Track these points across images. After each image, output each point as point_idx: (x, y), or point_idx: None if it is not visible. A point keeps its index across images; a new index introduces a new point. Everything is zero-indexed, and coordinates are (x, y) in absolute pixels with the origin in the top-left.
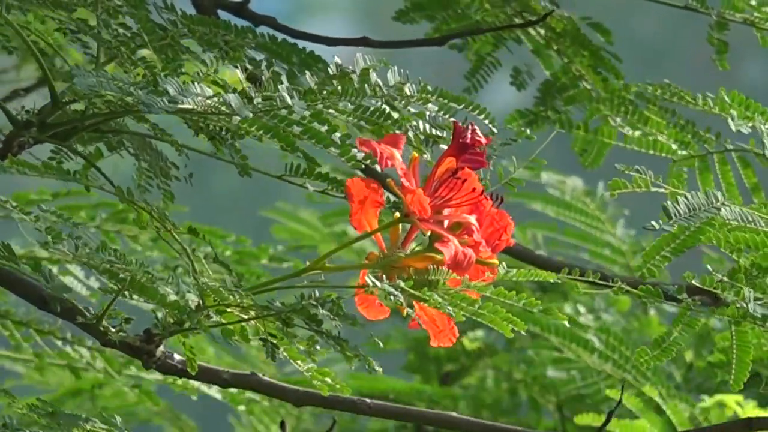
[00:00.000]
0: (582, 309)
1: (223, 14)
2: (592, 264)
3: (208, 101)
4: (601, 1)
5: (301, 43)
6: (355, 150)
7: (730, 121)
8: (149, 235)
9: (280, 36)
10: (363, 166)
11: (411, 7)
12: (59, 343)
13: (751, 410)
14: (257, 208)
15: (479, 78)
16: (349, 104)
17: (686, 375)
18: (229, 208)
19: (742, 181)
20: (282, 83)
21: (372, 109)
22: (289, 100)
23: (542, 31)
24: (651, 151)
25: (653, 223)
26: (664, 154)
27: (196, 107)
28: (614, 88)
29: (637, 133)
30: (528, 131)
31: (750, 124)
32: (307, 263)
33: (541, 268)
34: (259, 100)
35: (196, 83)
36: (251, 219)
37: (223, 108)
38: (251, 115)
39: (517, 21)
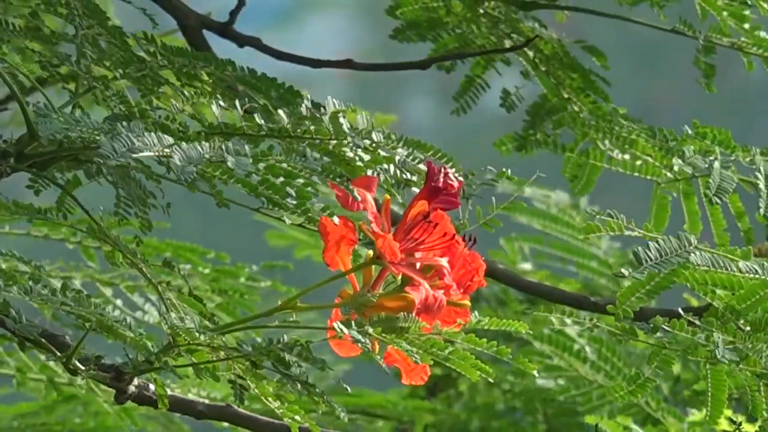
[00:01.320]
0: (568, 320)
1: (208, 35)
2: (579, 277)
3: (165, 150)
4: (598, 1)
5: (286, 65)
6: (314, 201)
7: (675, 160)
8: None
9: (263, 61)
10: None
11: (407, 26)
12: (42, 356)
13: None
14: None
15: (468, 99)
16: (299, 161)
17: (673, 388)
18: (224, 211)
19: (727, 205)
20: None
21: (317, 170)
22: (230, 162)
23: (531, 54)
24: (636, 174)
25: (623, 270)
26: (650, 177)
27: (155, 155)
28: (602, 111)
29: (626, 156)
30: (509, 172)
31: (710, 158)
32: (288, 299)
33: (518, 289)
34: (208, 155)
35: (153, 134)
36: (245, 223)
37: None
38: (194, 174)
39: (506, 43)
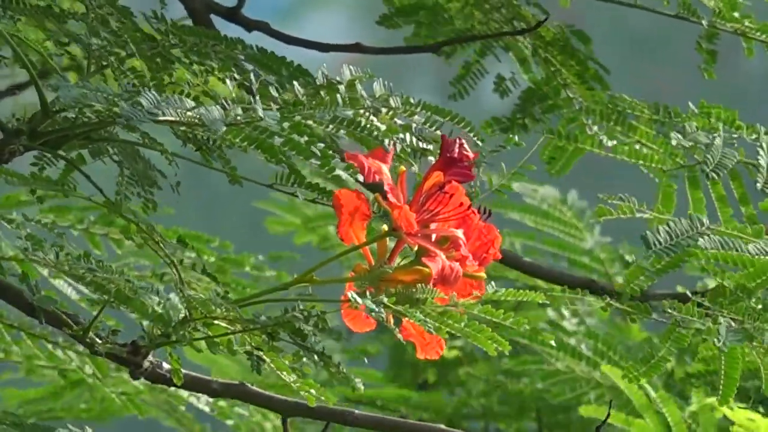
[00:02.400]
0: (566, 313)
1: (216, 19)
2: (573, 272)
3: (188, 113)
4: None
5: (292, 51)
6: (337, 161)
7: (673, 134)
8: (136, 240)
9: (270, 47)
10: (343, 179)
11: (395, 12)
12: (50, 346)
13: (741, 412)
14: (252, 199)
15: (465, 85)
16: (327, 115)
17: (667, 382)
18: (224, 200)
19: (732, 193)
20: (265, 97)
21: (349, 119)
22: (260, 112)
23: (530, 40)
24: (639, 162)
25: (627, 257)
26: (652, 165)
27: (177, 119)
28: (600, 97)
29: (612, 142)
30: (516, 138)
31: (713, 135)
32: (295, 276)
33: (528, 274)
34: (238, 111)
35: (175, 96)
36: (246, 210)
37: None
38: (224, 128)
39: (507, 29)
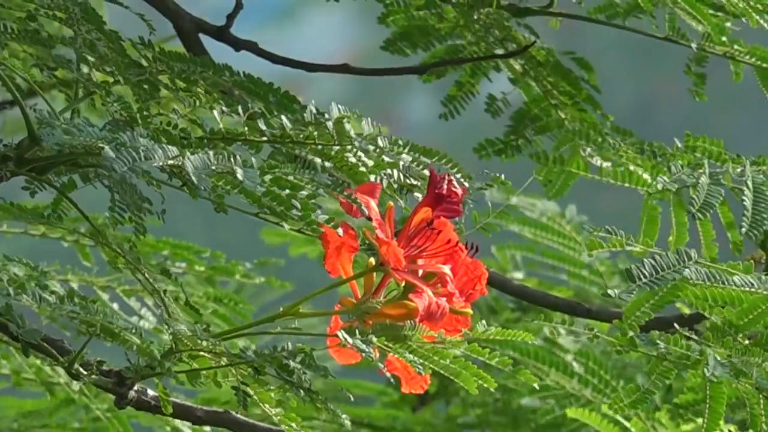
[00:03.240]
0: (562, 330)
1: (205, 38)
2: (571, 285)
3: (170, 162)
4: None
5: (280, 72)
6: (319, 212)
7: (659, 177)
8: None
9: (260, 65)
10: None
11: (398, 36)
12: (38, 361)
13: None
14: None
15: (456, 105)
16: (306, 175)
17: (665, 397)
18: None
19: (717, 216)
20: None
21: (325, 184)
22: (239, 175)
23: (521, 61)
24: (626, 184)
25: (609, 291)
26: (637, 187)
27: (161, 167)
28: (591, 119)
29: (607, 164)
30: (502, 176)
31: (699, 171)
32: (290, 305)
33: (516, 296)
34: (216, 167)
35: (158, 145)
36: (241, 220)
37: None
38: (210, 185)
39: (498, 50)
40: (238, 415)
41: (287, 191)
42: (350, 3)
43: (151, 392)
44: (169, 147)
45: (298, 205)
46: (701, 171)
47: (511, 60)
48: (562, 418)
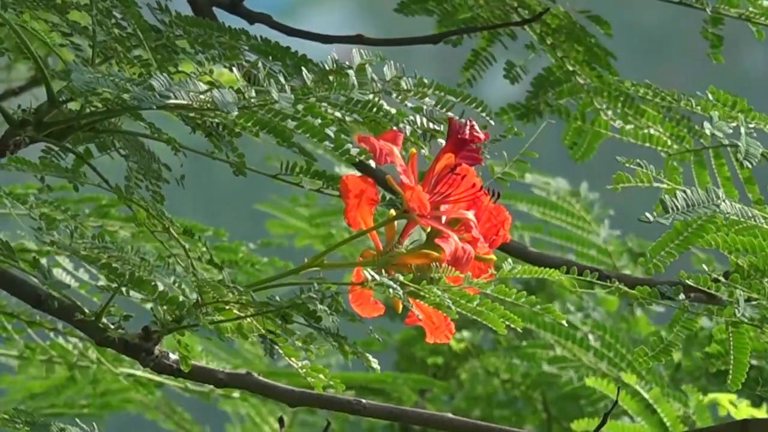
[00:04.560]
0: (571, 308)
1: (218, 11)
2: (580, 265)
3: (201, 96)
4: None
5: (296, 42)
6: (350, 145)
7: (706, 124)
8: (130, 232)
9: (274, 37)
10: (357, 162)
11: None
12: (51, 334)
13: (745, 409)
14: (254, 200)
15: (474, 72)
16: (342, 97)
17: (674, 375)
18: (225, 201)
19: (737, 176)
20: (277, 80)
21: (363, 101)
22: (275, 95)
23: (537, 27)
24: (647, 144)
25: (647, 215)
26: (659, 148)
27: (189, 102)
28: (609, 82)
29: (629, 126)
30: (516, 128)
31: (733, 124)
32: (305, 260)
33: (535, 264)
34: (252, 94)
35: (189, 80)
36: (247, 212)
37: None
38: (237, 111)
39: (513, 17)
40: (260, 377)
41: (319, 121)
42: (349, 2)
43: (172, 356)
44: (198, 82)
45: (332, 135)
46: (737, 123)
47: (528, 27)
48: (574, 394)
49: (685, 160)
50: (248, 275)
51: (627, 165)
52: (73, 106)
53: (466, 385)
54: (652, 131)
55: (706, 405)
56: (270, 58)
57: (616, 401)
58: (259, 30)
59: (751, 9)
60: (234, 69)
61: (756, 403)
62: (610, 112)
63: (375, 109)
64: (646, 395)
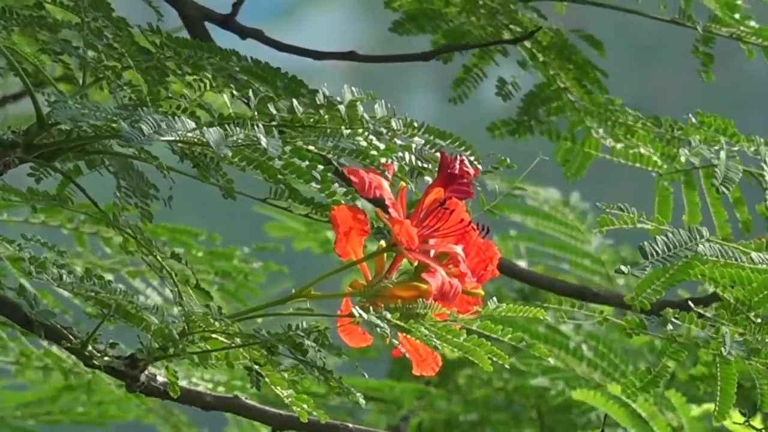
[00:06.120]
0: (564, 317)
1: (210, 26)
2: (573, 275)
3: (189, 134)
4: None
5: (287, 60)
6: (336, 186)
7: (682, 150)
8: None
9: (264, 57)
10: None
11: (406, 18)
12: (45, 343)
13: (739, 419)
14: (253, 202)
15: (465, 89)
16: (329, 142)
17: (668, 384)
18: (224, 202)
19: (727, 196)
20: (268, 111)
21: (350, 149)
22: (264, 142)
23: (528, 44)
24: (637, 164)
25: (621, 267)
26: (648, 168)
27: (177, 140)
28: (599, 101)
29: (620, 146)
30: (508, 161)
31: (715, 148)
32: (302, 287)
33: (524, 282)
34: (240, 135)
35: (176, 117)
36: (244, 215)
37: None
38: (230, 153)
39: (505, 34)
40: (248, 401)
41: (307, 163)
42: (350, 2)
43: (160, 378)
44: (187, 120)
45: (318, 177)
46: (717, 147)
47: (520, 44)
48: (567, 404)
49: (674, 179)
50: (240, 287)
51: (610, 211)
52: (63, 126)
53: (463, 389)
54: (642, 150)
55: (699, 416)
56: (260, 79)
57: (606, 414)
58: (251, 45)
59: (742, 28)
60: (224, 96)
61: (750, 413)
62: (601, 130)
63: (360, 155)
64: (635, 406)
